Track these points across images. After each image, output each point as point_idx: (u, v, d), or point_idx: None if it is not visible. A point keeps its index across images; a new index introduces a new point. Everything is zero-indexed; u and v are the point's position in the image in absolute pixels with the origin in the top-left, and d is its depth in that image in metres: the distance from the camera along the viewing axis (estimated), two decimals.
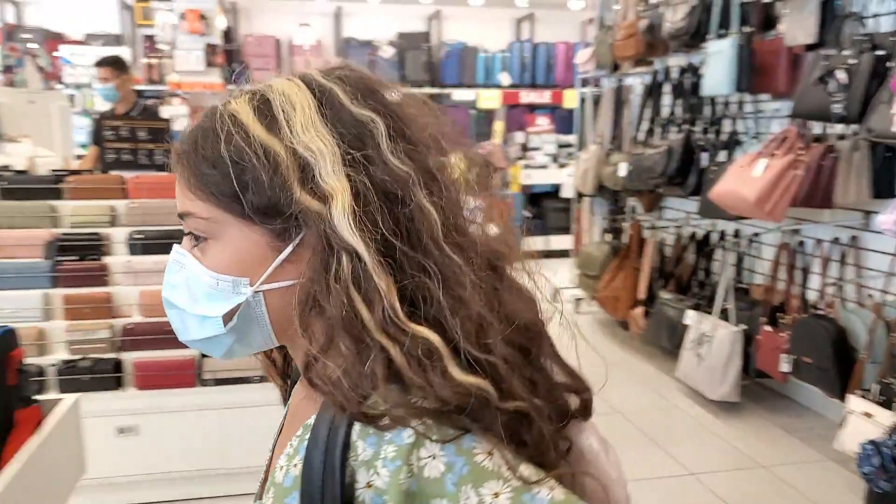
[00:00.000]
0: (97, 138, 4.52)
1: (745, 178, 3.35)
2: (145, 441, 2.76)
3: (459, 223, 0.70)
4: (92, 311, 2.83)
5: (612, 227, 5.41)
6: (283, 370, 0.89)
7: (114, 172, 3.21)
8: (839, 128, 3.21)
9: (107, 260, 2.95)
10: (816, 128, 3.33)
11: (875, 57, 2.86)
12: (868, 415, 2.77)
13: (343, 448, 0.62)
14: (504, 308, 0.67)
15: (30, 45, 5.84)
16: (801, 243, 3.68)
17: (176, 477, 2.83)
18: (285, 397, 0.88)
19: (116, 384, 2.76)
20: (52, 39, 7.18)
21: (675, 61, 4.52)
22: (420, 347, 0.62)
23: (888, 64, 2.83)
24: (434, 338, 0.63)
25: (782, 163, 3.22)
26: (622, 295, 4.69)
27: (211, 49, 6.31)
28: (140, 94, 6.98)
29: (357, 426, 0.63)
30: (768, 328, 3.52)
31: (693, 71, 4.25)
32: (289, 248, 0.68)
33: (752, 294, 3.94)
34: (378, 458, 0.61)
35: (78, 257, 2.91)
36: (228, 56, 7.27)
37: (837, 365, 3.07)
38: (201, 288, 0.70)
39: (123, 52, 6.32)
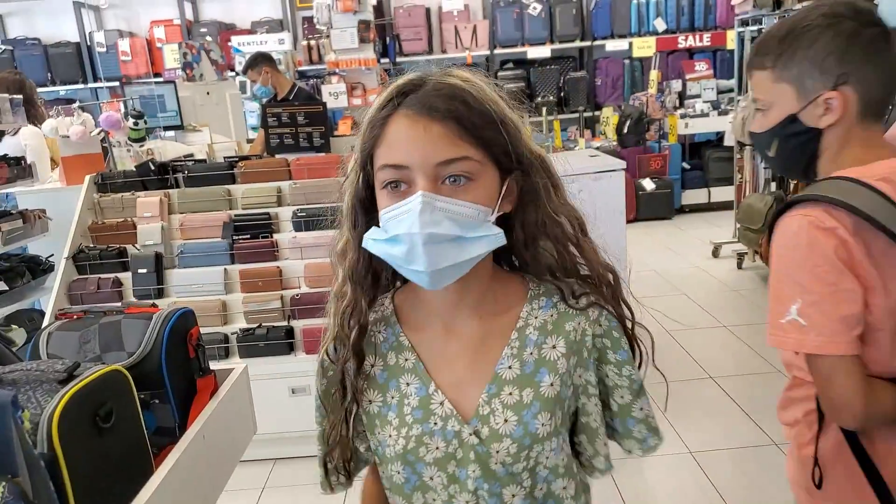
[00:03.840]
0: (264, 122, 4.90)
1: None
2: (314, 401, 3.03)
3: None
4: (264, 283, 3.13)
5: (776, 176, 5.07)
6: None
7: (278, 156, 3.50)
8: None
9: (276, 237, 3.23)
10: None
11: None
12: None
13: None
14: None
15: (206, 39, 6.39)
16: None
17: None
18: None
19: (289, 349, 3.05)
20: (225, 31, 7.81)
21: None
22: (589, 251, 0.97)
23: None
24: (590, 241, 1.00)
25: None
26: None
27: (364, 25, 6.56)
28: (302, 74, 7.42)
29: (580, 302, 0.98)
30: None
31: None
32: (504, 186, 0.91)
33: None
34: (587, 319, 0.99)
35: (250, 235, 3.22)
36: (381, 30, 7.51)
37: None
38: (465, 218, 0.87)
39: (285, 37, 6.75)
